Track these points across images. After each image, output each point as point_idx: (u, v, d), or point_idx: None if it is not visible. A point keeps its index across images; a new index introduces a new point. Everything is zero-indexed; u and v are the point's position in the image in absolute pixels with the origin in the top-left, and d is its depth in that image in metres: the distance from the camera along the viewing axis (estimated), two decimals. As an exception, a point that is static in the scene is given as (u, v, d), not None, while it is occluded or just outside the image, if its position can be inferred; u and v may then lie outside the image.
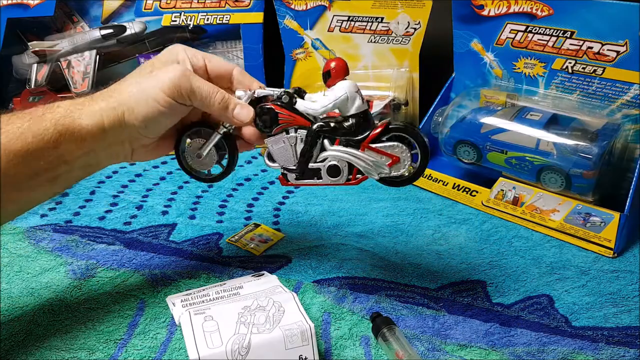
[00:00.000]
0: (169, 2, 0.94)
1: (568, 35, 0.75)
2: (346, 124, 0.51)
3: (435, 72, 0.92)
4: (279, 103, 0.53)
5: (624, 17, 0.70)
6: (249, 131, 0.56)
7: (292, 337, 0.49)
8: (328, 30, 0.94)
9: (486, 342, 0.53)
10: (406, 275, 0.63)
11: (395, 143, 0.51)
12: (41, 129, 0.47)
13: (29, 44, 0.93)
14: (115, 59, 0.97)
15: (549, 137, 0.73)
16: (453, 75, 0.89)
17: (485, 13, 0.81)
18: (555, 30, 0.76)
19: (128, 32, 0.94)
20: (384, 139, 0.51)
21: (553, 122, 0.74)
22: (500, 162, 0.77)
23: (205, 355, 0.47)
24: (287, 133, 0.53)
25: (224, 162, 0.59)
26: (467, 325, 0.55)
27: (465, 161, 0.80)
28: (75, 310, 0.56)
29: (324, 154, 0.52)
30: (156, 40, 0.96)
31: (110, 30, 0.94)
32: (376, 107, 0.89)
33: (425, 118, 0.87)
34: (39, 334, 0.53)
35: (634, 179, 0.68)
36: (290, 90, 0.54)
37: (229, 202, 0.79)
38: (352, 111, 0.51)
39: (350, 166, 0.52)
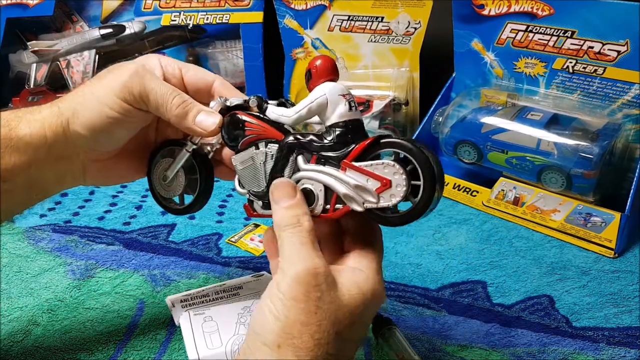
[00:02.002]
0: (168, 1, 0.94)
1: (569, 35, 0.75)
2: (326, 136, 0.40)
3: (435, 72, 0.92)
4: (246, 111, 0.44)
5: (624, 16, 0.70)
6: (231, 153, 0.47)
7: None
8: (328, 30, 0.94)
9: (487, 342, 0.53)
10: (406, 275, 0.63)
11: (385, 160, 0.38)
12: None
13: (28, 43, 0.92)
14: (115, 58, 0.97)
15: (549, 137, 0.72)
16: (453, 75, 0.89)
17: (485, 13, 0.81)
18: (556, 30, 0.76)
19: (127, 31, 0.94)
20: (376, 155, 0.39)
21: (554, 122, 0.74)
22: (500, 162, 0.76)
23: (204, 356, 0.47)
24: (257, 148, 0.43)
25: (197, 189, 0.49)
26: (468, 326, 0.55)
27: (466, 161, 0.80)
28: (74, 311, 0.56)
29: (296, 175, 0.41)
30: (156, 40, 0.96)
31: (110, 30, 0.94)
32: (376, 107, 0.89)
33: (426, 118, 0.86)
34: (38, 334, 0.53)
35: (635, 179, 0.68)
36: (260, 96, 0.44)
37: (229, 202, 0.78)
38: (334, 119, 0.39)
39: (329, 192, 0.40)
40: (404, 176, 0.37)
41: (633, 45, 0.70)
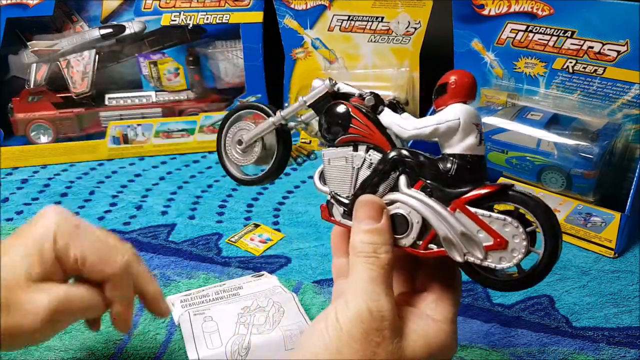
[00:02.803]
0: (168, 1, 0.94)
1: (569, 35, 0.75)
2: (442, 164, 0.35)
3: (435, 72, 0.91)
4: (358, 105, 0.38)
5: (624, 16, 0.70)
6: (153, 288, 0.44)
7: (292, 337, 0.48)
8: (328, 30, 0.94)
9: (486, 342, 0.53)
10: (406, 275, 0.62)
11: (509, 218, 0.32)
12: None
13: (28, 43, 0.92)
14: (115, 58, 0.97)
15: (549, 137, 0.72)
16: (453, 75, 0.88)
17: (485, 12, 0.81)
18: (556, 30, 0.76)
19: (127, 31, 0.94)
20: (491, 205, 0.34)
21: (554, 122, 0.74)
22: (500, 162, 0.76)
23: (204, 356, 0.47)
24: (355, 150, 0.38)
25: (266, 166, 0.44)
26: (468, 326, 0.55)
27: (466, 161, 0.80)
28: (74, 311, 0.56)
29: (392, 196, 0.36)
30: (155, 40, 0.96)
31: (110, 30, 0.94)
32: (376, 107, 0.89)
33: (426, 118, 0.86)
34: (38, 335, 0.53)
35: (635, 179, 0.68)
36: (376, 95, 0.39)
37: (229, 202, 0.78)
38: (458, 149, 0.34)
39: (426, 226, 0.36)
40: (524, 243, 0.32)
41: (633, 45, 0.70)
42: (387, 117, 0.37)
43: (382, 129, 0.37)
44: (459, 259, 0.34)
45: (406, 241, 0.36)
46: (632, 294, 0.59)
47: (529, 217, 0.33)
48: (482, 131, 0.35)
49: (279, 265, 0.64)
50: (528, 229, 0.33)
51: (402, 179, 0.36)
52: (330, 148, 0.39)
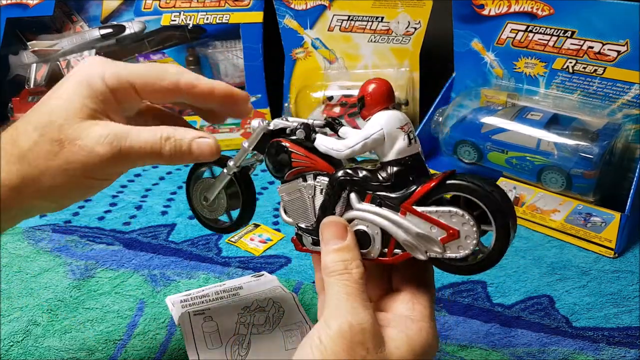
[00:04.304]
0: (168, 1, 0.94)
1: (569, 35, 0.75)
2: (382, 174, 0.36)
3: (435, 72, 0.92)
4: (292, 139, 0.40)
5: (624, 16, 0.70)
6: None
7: (292, 337, 0.48)
8: (328, 30, 0.94)
9: (487, 342, 0.53)
10: (406, 275, 0.62)
11: (454, 209, 0.34)
12: None
13: (28, 43, 0.92)
14: (115, 58, 0.97)
15: (549, 137, 0.72)
16: (453, 74, 0.89)
17: (485, 12, 0.81)
18: (556, 30, 0.76)
19: (127, 31, 0.94)
20: (439, 197, 0.35)
21: (554, 122, 0.74)
22: (500, 162, 0.76)
23: (204, 356, 0.47)
24: (304, 180, 0.40)
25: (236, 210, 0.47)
26: (468, 326, 0.55)
27: (466, 161, 0.80)
28: (74, 311, 0.56)
29: (348, 214, 0.38)
30: (155, 40, 0.96)
31: (110, 30, 0.94)
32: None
33: (426, 118, 0.86)
34: (37, 334, 0.53)
35: (635, 179, 0.68)
36: (311, 122, 0.40)
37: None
38: (391, 156, 0.36)
39: (386, 235, 0.37)
40: (474, 228, 0.34)
41: (633, 45, 0.70)
42: (321, 145, 0.38)
43: (321, 154, 0.39)
44: (422, 257, 0.36)
45: (374, 253, 0.37)
46: (632, 294, 0.59)
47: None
48: (411, 130, 0.36)
49: (279, 265, 0.64)
50: (475, 213, 0.34)
51: (353, 196, 0.37)
52: (283, 184, 0.41)
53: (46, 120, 0.37)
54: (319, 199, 0.39)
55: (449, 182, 0.34)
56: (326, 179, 0.38)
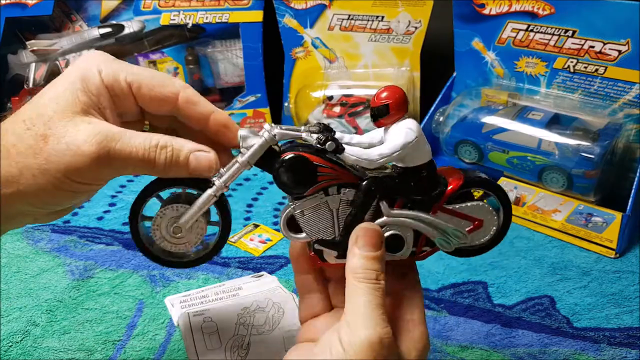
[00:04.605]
0: (167, 0, 0.93)
1: (570, 35, 0.75)
2: (411, 178, 0.37)
3: (436, 71, 0.92)
4: (316, 153, 0.37)
5: (625, 16, 0.70)
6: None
7: (292, 338, 0.48)
8: (328, 29, 0.94)
9: (487, 343, 0.53)
10: (407, 275, 0.62)
11: (479, 202, 0.38)
12: None
13: (27, 43, 0.92)
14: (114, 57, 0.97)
15: (550, 136, 0.72)
16: (454, 74, 0.88)
17: (486, 12, 0.81)
18: (557, 29, 0.75)
19: (126, 31, 0.94)
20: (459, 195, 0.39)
21: (555, 122, 0.74)
22: (501, 162, 0.76)
23: (204, 357, 0.47)
24: (327, 194, 0.38)
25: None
26: (469, 327, 0.55)
27: (467, 161, 0.80)
28: (73, 311, 0.56)
29: (381, 220, 0.38)
30: (155, 39, 0.96)
31: (109, 29, 0.94)
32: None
33: (426, 117, 0.86)
34: (37, 335, 0.53)
35: (636, 178, 0.68)
36: (327, 133, 0.37)
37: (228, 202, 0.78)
38: (424, 159, 0.37)
39: (416, 235, 0.39)
40: (495, 216, 0.39)
41: (634, 44, 0.70)
42: (351, 155, 0.37)
43: (343, 165, 0.37)
44: (450, 250, 0.39)
45: (406, 253, 0.39)
46: (633, 294, 0.59)
47: (477, 193, 0.39)
48: None
49: (279, 266, 0.64)
50: (488, 202, 0.39)
51: (384, 204, 0.38)
52: (299, 200, 0.38)
53: (35, 113, 0.34)
54: (344, 211, 0.38)
55: (468, 179, 0.38)
56: (352, 190, 0.37)
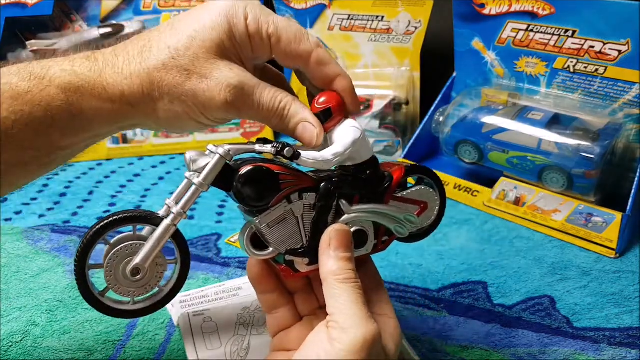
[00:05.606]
0: (167, 0, 0.93)
1: (570, 35, 0.74)
2: (364, 174, 0.40)
3: (436, 71, 0.92)
4: (274, 161, 0.37)
5: (625, 16, 0.70)
6: None
7: (292, 338, 0.48)
8: (328, 29, 0.94)
9: (487, 343, 0.53)
10: (407, 276, 0.62)
11: (422, 186, 0.42)
12: None
13: (27, 43, 0.92)
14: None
15: (550, 136, 0.72)
16: (454, 74, 0.88)
17: (486, 12, 0.81)
18: (557, 29, 0.75)
19: (126, 30, 0.94)
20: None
21: (555, 122, 0.74)
22: (501, 162, 0.76)
23: (204, 357, 0.47)
24: (289, 202, 0.37)
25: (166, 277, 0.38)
26: (469, 327, 0.55)
27: (467, 161, 0.80)
28: (73, 311, 0.56)
29: (346, 218, 0.39)
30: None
31: (109, 29, 0.94)
32: (376, 107, 0.89)
33: (426, 117, 0.86)
34: (36, 335, 0.53)
35: (636, 178, 0.68)
36: (280, 142, 0.37)
37: (228, 202, 0.78)
38: (367, 156, 0.39)
39: (375, 227, 0.40)
40: (437, 198, 0.43)
41: (634, 44, 0.70)
42: (308, 159, 0.37)
43: (301, 171, 0.38)
44: (405, 235, 0.42)
45: (370, 247, 0.41)
46: (633, 295, 0.59)
47: (411, 180, 0.43)
48: None
49: (279, 266, 0.64)
50: (425, 184, 0.43)
51: (343, 202, 0.39)
52: (261, 214, 0.37)
53: (182, 45, 0.36)
54: (308, 216, 0.38)
55: (408, 167, 0.42)
56: (312, 194, 0.38)
